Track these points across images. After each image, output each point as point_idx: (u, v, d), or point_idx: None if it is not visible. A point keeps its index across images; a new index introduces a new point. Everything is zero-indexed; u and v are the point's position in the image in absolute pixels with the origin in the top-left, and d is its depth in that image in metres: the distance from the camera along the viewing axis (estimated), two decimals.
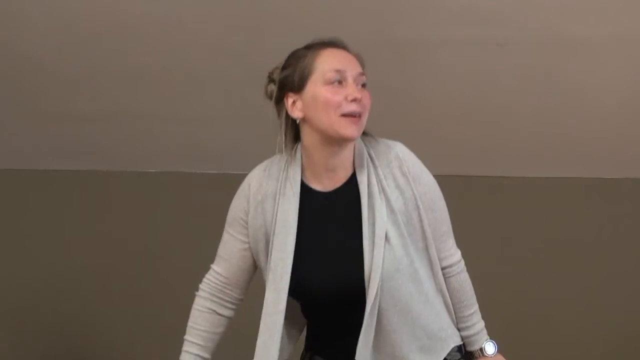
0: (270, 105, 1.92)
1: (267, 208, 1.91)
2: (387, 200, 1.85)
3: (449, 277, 1.94)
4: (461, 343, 1.95)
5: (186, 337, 2.01)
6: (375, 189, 1.86)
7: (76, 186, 3.60)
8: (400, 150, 1.91)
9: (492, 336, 1.98)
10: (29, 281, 3.58)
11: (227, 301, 2.02)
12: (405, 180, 1.88)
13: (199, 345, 2.00)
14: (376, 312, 1.81)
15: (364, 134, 1.90)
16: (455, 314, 1.95)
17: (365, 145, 1.91)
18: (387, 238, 1.82)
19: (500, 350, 1.96)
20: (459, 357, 1.94)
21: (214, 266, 2.03)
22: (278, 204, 1.89)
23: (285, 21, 2.61)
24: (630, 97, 2.85)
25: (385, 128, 1.95)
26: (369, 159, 1.90)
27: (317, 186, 1.91)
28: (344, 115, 1.81)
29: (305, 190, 1.90)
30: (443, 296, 1.92)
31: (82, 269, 3.57)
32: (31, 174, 3.59)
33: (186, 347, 2.00)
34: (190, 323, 2.02)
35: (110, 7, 2.54)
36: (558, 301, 3.37)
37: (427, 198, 1.89)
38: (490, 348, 1.95)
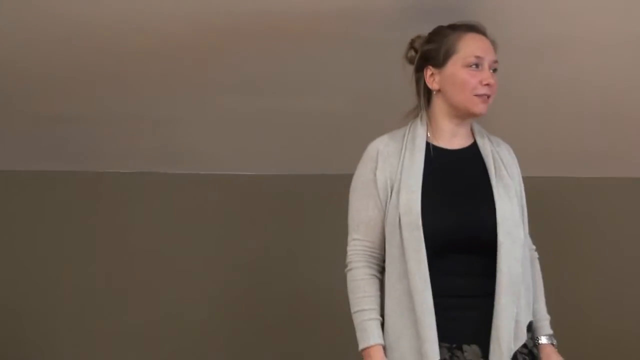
0: None
1: (393, 162, 2.12)
2: (505, 168, 2.15)
3: (532, 259, 2.20)
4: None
5: (363, 306, 2.08)
6: (497, 156, 2.16)
7: (48, 187, 3.58)
8: (504, 142, 2.23)
9: None
10: None
11: (378, 264, 2.14)
12: (513, 162, 2.20)
13: (376, 309, 2.09)
14: (505, 257, 2.02)
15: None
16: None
17: (481, 127, 2.21)
18: (508, 194, 2.09)
19: None
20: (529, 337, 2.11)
21: (355, 235, 2.14)
22: (404, 157, 2.12)
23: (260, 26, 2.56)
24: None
25: None
26: (487, 137, 2.21)
27: (441, 144, 2.16)
28: (477, 95, 2.10)
29: (430, 146, 2.14)
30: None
31: (52, 269, 3.54)
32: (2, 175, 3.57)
33: (369, 315, 2.08)
34: (360, 294, 2.10)
35: (82, 9, 2.48)
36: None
37: (522, 180, 2.20)
38: (544, 339, 2.16)
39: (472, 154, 2.17)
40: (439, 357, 1.99)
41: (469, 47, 2.11)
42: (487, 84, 2.10)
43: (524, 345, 2.08)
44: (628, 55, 2.57)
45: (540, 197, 3.24)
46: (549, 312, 2.20)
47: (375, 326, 2.07)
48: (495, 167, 2.13)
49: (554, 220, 3.31)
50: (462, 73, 2.11)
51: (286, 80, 2.82)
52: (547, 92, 2.78)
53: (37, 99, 3.04)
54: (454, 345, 2.04)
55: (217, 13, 2.44)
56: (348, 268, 2.14)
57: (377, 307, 2.09)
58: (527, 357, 2.09)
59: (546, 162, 3.16)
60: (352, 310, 2.11)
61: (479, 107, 2.11)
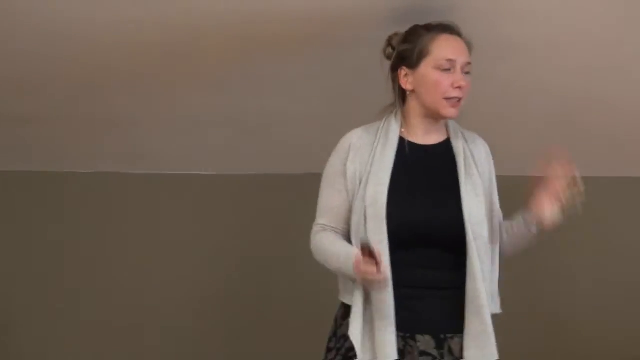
0: None
1: (364, 154, 2.16)
2: (477, 166, 2.18)
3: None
4: (494, 312, 2.15)
5: (332, 242, 2.14)
6: (469, 154, 2.19)
7: (9, 188, 3.56)
8: (481, 138, 2.27)
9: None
10: None
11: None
12: (487, 159, 2.23)
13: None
14: (474, 253, 2.07)
15: None
16: (507, 229, 2.21)
17: (457, 123, 2.24)
18: (477, 194, 2.13)
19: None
20: None
21: (320, 220, 2.20)
22: (376, 150, 2.15)
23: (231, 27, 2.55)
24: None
25: None
26: (461, 134, 2.23)
27: (415, 140, 2.20)
28: (447, 98, 2.12)
29: (402, 141, 2.18)
30: (495, 265, 2.18)
31: (14, 270, 3.52)
32: None
33: (336, 239, 2.15)
34: (326, 241, 2.16)
35: (40, 10, 2.45)
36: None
37: (494, 177, 2.24)
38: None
39: (445, 150, 2.20)
40: (393, 348, 2.03)
41: (442, 49, 2.13)
42: (459, 87, 2.12)
43: None
44: (588, 55, 2.60)
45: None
46: None
47: (350, 246, 2.10)
48: (465, 165, 2.17)
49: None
50: (434, 75, 2.13)
51: (256, 80, 2.81)
52: (505, 93, 2.81)
53: None
54: (408, 335, 2.09)
55: (184, 13, 2.42)
56: (312, 243, 2.19)
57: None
58: None
59: (506, 161, 3.18)
60: (330, 264, 2.13)
61: (448, 111, 2.14)
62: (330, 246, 2.15)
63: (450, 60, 2.12)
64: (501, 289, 2.20)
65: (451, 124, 2.24)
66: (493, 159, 2.27)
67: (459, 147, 2.19)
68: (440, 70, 2.12)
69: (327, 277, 2.26)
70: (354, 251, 2.05)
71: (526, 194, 2.07)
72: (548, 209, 2.06)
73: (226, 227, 3.50)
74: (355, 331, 2.07)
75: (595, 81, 2.74)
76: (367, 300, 2.08)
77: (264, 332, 3.46)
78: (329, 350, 2.19)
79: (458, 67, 2.13)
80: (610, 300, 3.40)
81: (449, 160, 2.18)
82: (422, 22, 2.20)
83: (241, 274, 3.49)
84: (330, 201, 2.19)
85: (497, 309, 2.18)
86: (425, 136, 2.20)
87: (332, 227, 2.18)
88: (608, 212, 3.36)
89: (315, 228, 2.21)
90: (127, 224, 3.55)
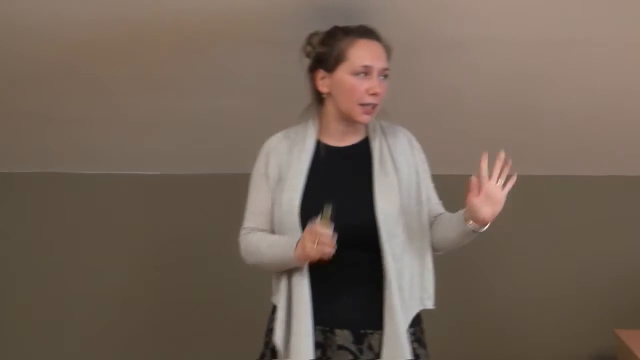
0: None
1: (283, 158, 2.19)
2: (394, 163, 2.16)
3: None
4: (426, 307, 2.18)
5: (262, 238, 2.17)
6: (386, 152, 2.18)
7: None
8: (406, 130, 2.27)
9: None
10: None
11: None
12: (411, 151, 2.22)
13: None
14: (388, 253, 2.07)
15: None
16: (437, 225, 2.21)
17: (377, 119, 2.23)
18: (391, 194, 2.12)
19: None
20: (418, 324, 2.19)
21: (246, 224, 2.22)
22: (293, 155, 2.18)
23: (166, 25, 2.52)
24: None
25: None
26: (380, 130, 2.23)
27: (332, 143, 2.21)
28: (362, 104, 2.11)
29: (319, 144, 2.20)
30: (426, 260, 2.18)
31: None
32: None
33: (266, 234, 2.17)
34: (255, 238, 2.18)
35: None
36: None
37: (425, 166, 2.25)
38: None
39: (362, 151, 2.21)
40: (309, 350, 2.06)
41: (358, 55, 2.11)
42: (374, 93, 2.12)
43: (413, 334, 2.15)
44: (533, 54, 2.60)
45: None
46: None
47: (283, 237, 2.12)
48: (381, 163, 2.17)
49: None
50: (350, 80, 2.12)
51: (193, 80, 2.79)
52: (451, 90, 2.80)
53: None
54: (327, 329, 2.13)
55: (122, 12, 2.40)
56: (242, 246, 2.21)
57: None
58: (416, 344, 2.16)
59: (449, 160, 3.19)
60: (267, 259, 2.14)
61: (361, 117, 2.14)
62: (262, 241, 2.16)
63: (366, 67, 2.11)
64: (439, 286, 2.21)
65: (371, 122, 2.23)
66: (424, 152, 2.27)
67: (375, 145, 2.20)
68: (355, 75, 2.11)
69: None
70: (294, 238, 2.07)
71: (464, 192, 2.04)
72: (479, 207, 2.02)
73: (170, 227, 3.49)
74: (279, 333, 2.12)
75: (534, 81, 2.74)
76: (289, 299, 2.13)
77: (192, 333, 3.47)
78: (265, 344, 2.25)
79: (374, 73, 2.12)
80: (540, 299, 3.41)
81: (365, 161, 2.18)
82: (347, 22, 2.19)
83: (182, 274, 3.48)
84: (256, 205, 2.22)
85: (430, 305, 2.19)
86: (343, 138, 2.22)
87: (260, 229, 2.20)
88: (539, 211, 3.39)
89: (243, 232, 2.23)
90: (70, 223, 3.53)
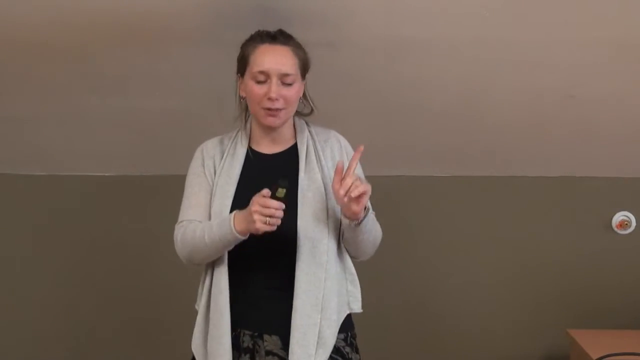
0: None
1: (216, 163, 2.21)
2: (321, 167, 2.19)
3: None
4: (354, 311, 2.22)
5: (197, 225, 2.14)
6: (313, 157, 2.20)
7: None
8: (337, 133, 2.29)
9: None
10: None
11: None
12: (340, 153, 2.23)
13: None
14: (303, 262, 2.09)
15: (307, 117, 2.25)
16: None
17: (307, 124, 2.27)
18: (315, 199, 2.13)
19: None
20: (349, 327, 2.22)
21: (183, 217, 2.19)
22: (225, 160, 2.20)
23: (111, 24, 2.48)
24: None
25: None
26: (309, 134, 2.25)
27: (262, 150, 2.23)
28: (264, 108, 2.13)
29: (251, 151, 2.22)
30: (348, 264, 2.22)
31: None
32: None
33: (207, 224, 2.12)
34: (191, 227, 2.15)
35: None
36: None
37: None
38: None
39: (291, 157, 2.23)
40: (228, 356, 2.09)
41: (257, 61, 2.13)
42: (270, 99, 2.11)
43: (336, 349, 2.15)
44: (484, 57, 2.62)
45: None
46: None
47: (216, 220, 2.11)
48: (306, 169, 2.18)
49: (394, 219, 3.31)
50: (250, 85, 2.14)
51: (138, 80, 2.75)
52: (400, 91, 2.80)
53: None
54: (256, 334, 2.14)
55: (71, 10, 2.38)
56: (177, 239, 2.17)
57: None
58: (335, 356, 2.15)
59: (399, 160, 3.19)
60: (203, 244, 2.10)
61: (267, 120, 2.16)
62: (197, 228, 2.13)
63: (263, 72, 2.12)
64: (371, 288, 2.27)
65: (299, 126, 2.26)
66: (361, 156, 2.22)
67: (302, 150, 2.21)
68: (255, 81, 2.13)
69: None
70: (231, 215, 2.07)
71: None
72: (339, 201, 2.06)
73: (115, 227, 3.46)
74: (197, 340, 2.18)
75: (492, 79, 2.75)
76: (208, 303, 2.16)
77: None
78: None
79: (274, 79, 2.11)
80: (492, 299, 3.42)
81: (293, 166, 2.20)
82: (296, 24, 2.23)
83: (125, 272, 3.45)
84: (194, 200, 2.20)
85: (357, 309, 2.23)
86: (272, 144, 2.24)
87: (198, 221, 2.17)
88: (491, 210, 3.40)
89: (177, 226, 2.21)
90: (16, 225, 3.48)
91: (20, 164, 3.37)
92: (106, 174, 3.41)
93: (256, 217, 1.97)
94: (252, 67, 2.13)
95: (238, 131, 2.27)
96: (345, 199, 2.01)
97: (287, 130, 2.24)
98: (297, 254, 2.10)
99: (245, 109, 2.24)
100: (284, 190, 1.98)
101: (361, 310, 2.24)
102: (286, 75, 2.13)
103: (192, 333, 2.22)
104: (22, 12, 2.39)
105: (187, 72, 2.69)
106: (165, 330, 3.38)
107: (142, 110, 2.94)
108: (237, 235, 2.04)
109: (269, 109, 2.13)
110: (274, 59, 2.12)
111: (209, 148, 2.26)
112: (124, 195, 3.43)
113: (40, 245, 3.46)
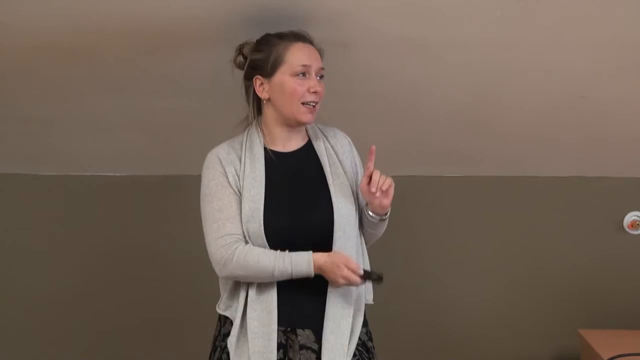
0: None
1: (235, 170, 2.18)
2: (341, 163, 2.25)
3: None
4: (367, 302, 2.25)
5: (262, 255, 2.11)
6: (332, 152, 2.27)
7: None
8: (339, 130, 2.35)
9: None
10: None
11: None
12: (350, 150, 2.31)
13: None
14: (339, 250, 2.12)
15: None
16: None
17: (314, 122, 2.29)
18: (344, 193, 2.20)
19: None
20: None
21: (226, 231, 2.12)
22: (245, 165, 2.18)
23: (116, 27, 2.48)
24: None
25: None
26: (320, 132, 2.30)
27: (278, 149, 2.24)
28: (304, 103, 2.16)
29: (267, 151, 2.22)
30: (365, 256, 2.27)
31: None
32: None
33: (280, 254, 2.12)
34: (256, 251, 2.12)
35: None
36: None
37: (360, 168, 2.32)
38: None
39: (308, 154, 2.27)
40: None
41: (296, 56, 2.18)
42: (315, 92, 2.18)
43: (361, 342, 2.20)
44: (491, 57, 2.61)
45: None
46: None
47: (293, 253, 2.12)
48: (330, 165, 2.25)
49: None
50: (291, 82, 2.17)
51: (147, 81, 2.76)
52: (411, 92, 2.80)
53: None
54: (289, 329, 2.15)
55: (84, 13, 2.38)
56: (233, 257, 2.11)
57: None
58: (361, 349, 2.20)
59: (412, 160, 3.19)
60: (269, 277, 2.12)
61: (306, 116, 2.20)
62: (260, 254, 2.12)
63: (305, 66, 2.17)
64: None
65: (309, 125, 2.29)
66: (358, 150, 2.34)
67: (321, 148, 2.27)
68: (296, 76, 2.17)
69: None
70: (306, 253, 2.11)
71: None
72: (369, 198, 2.17)
73: (122, 227, 3.48)
74: (232, 338, 2.15)
75: (503, 80, 2.74)
76: (245, 312, 2.16)
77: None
78: (214, 349, 2.26)
79: (313, 73, 2.19)
80: (505, 300, 3.43)
81: (314, 163, 2.25)
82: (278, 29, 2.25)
83: (136, 272, 3.47)
84: (227, 211, 2.15)
85: (370, 300, 2.27)
86: (287, 143, 2.26)
87: (240, 235, 2.15)
88: (503, 211, 3.40)
89: (224, 240, 2.14)
90: (22, 226, 3.50)
91: (34, 164, 3.39)
92: (118, 174, 3.44)
93: (342, 281, 2.10)
94: (291, 64, 2.17)
95: (247, 134, 2.27)
96: (378, 194, 2.12)
97: (301, 130, 2.29)
98: (333, 247, 2.15)
99: (257, 111, 2.27)
100: (376, 283, 2.16)
101: (372, 302, 2.29)
102: (322, 69, 2.22)
103: (206, 333, 2.25)
104: (25, 14, 2.40)
105: (198, 73, 2.70)
106: (180, 330, 3.37)
107: (154, 111, 2.95)
108: (309, 274, 2.12)
109: (309, 104, 2.18)
110: (311, 54, 2.20)
111: (224, 155, 2.22)
112: (137, 195, 3.45)
113: (54, 245, 3.48)
